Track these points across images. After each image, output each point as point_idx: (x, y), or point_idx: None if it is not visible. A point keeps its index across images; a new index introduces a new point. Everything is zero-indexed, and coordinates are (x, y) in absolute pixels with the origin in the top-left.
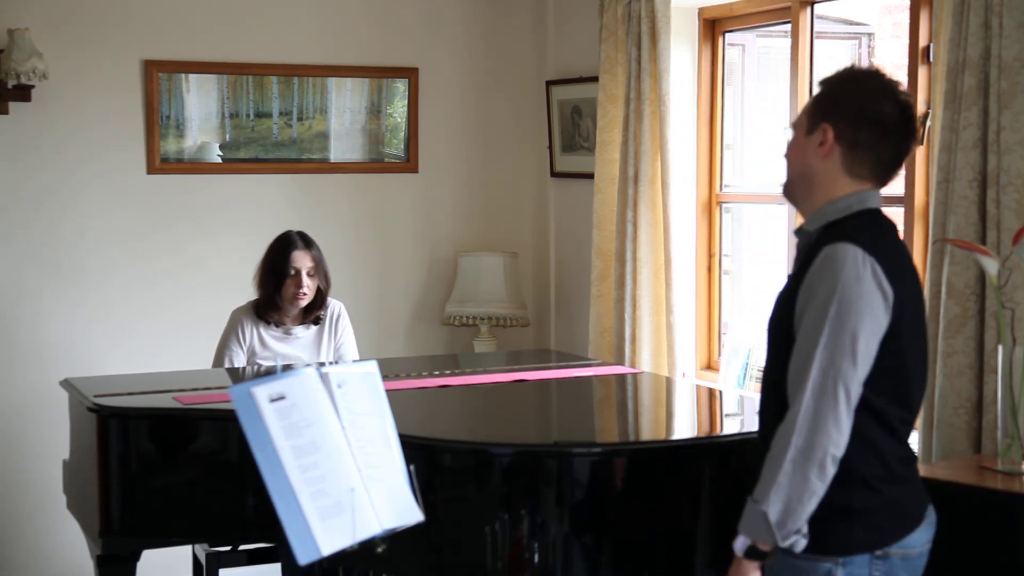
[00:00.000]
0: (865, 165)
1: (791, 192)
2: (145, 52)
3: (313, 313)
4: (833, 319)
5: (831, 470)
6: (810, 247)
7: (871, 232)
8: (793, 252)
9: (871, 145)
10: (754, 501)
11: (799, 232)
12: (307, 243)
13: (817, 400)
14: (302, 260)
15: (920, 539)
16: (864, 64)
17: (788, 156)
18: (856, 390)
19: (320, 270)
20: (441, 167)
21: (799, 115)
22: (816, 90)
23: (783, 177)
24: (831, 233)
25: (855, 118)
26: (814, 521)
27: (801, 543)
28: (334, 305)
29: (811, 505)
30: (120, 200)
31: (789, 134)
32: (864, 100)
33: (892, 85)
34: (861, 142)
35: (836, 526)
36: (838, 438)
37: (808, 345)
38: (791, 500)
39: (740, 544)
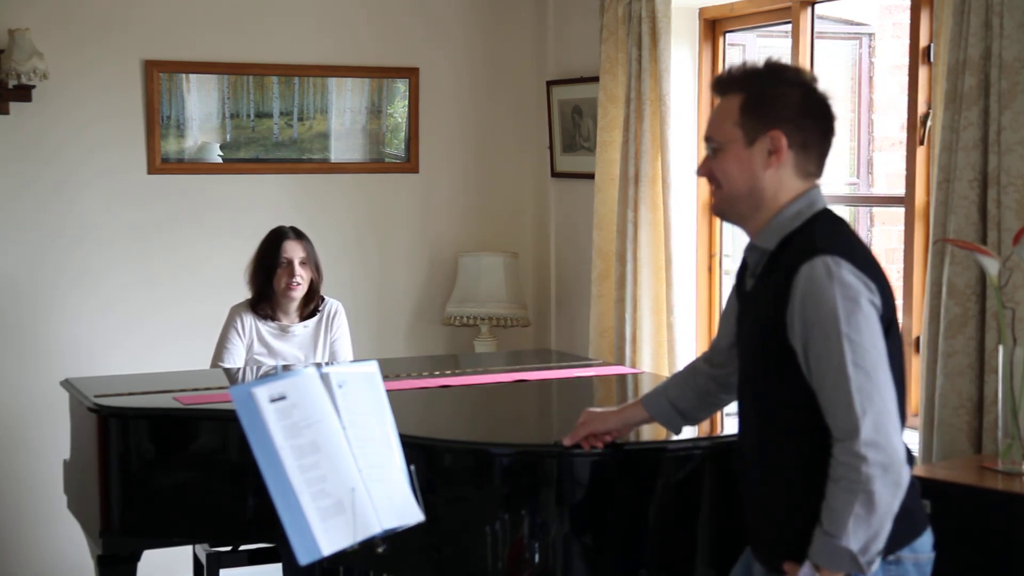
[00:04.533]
0: (813, 162)
1: (734, 211)
2: (145, 52)
3: (309, 306)
4: (847, 336)
5: (906, 480)
6: (770, 264)
7: (836, 238)
8: None
9: (817, 141)
10: (828, 535)
11: (752, 250)
12: (298, 234)
13: (874, 419)
14: (293, 250)
15: (928, 543)
16: (759, 58)
17: (726, 173)
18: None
19: (311, 261)
20: (441, 167)
21: (720, 127)
22: (727, 94)
23: (716, 198)
24: (795, 248)
25: (799, 117)
26: None
27: (878, 562)
28: (332, 304)
29: (890, 523)
30: (121, 200)
31: (710, 149)
32: (799, 95)
33: (802, 73)
34: (810, 141)
35: None
36: (901, 444)
37: (837, 374)
38: (873, 528)
39: (807, 574)
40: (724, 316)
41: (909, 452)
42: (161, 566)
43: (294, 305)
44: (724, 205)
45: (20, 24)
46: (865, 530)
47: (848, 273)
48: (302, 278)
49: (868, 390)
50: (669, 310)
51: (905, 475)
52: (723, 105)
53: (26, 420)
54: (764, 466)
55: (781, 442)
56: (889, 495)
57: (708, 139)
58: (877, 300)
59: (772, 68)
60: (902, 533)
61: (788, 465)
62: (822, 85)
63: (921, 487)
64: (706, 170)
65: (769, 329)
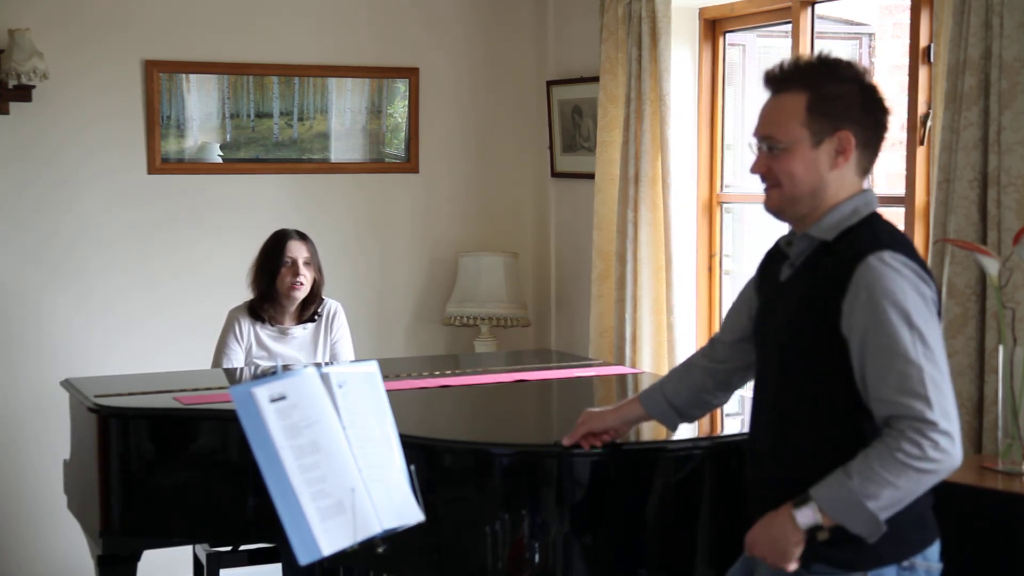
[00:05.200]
0: (870, 159)
1: (793, 210)
2: (146, 52)
3: (309, 309)
4: (918, 329)
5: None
6: (818, 255)
7: (897, 237)
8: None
9: (876, 138)
10: (856, 493)
11: (800, 239)
12: (302, 236)
13: (944, 409)
14: (298, 250)
15: (937, 553)
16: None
17: (791, 174)
18: None
19: (315, 263)
20: (441, 167)
21: (784, 127)
22: (785, 92)
23: (774, 196)
24: (856, 240)
25: (862, 115)
26: (839, 536)
27: (894, 568)
28: (331, 304)
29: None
30: (121, 200)
31: (768, 148)
32: (859, 91)
33: (855, 66)
34: (871, 139)
35: (862, 540)
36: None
37: (906, 363)
38: (899, 501)
39: (809, 518)
40: (734, 311)
41: None
42: (161, 566)
43: (295, 307)
44: (784, 204)
45: (20, 24)
46: (892, 503)
47: (913, 271)
48: (306, 278)
49: (939, 382)
50: (669, 310)
51: (954, 469)
52: (783, 103)
53: (26, 420)
54: (780, 460)
55: (801, 436)
56: (933, 483)
57: (767, 138)
58: (936, 301)
59: (829, 64)
60: (917, 540)
61: (806, 460)
62: (874, 78)
63: None
64: (764, 168)
65: (815, 317)
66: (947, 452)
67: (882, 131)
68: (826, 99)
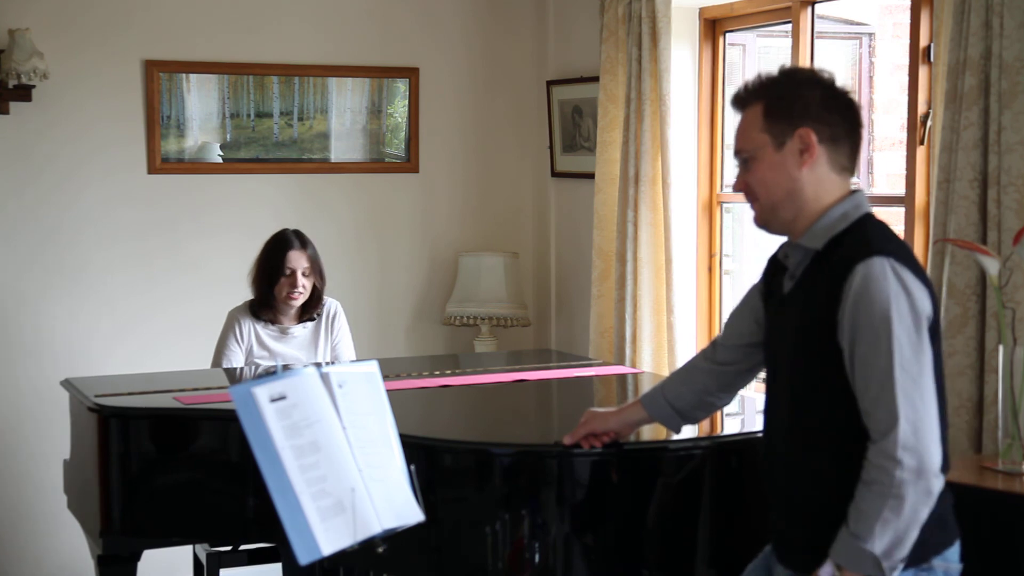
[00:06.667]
0: (845, 155)
1: (777, 219)
2: (146, 52)
3: (310, 311)
4: (898, 339)
5: (937, 489)
6: (815, 265)
7: (889, 240)
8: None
9: (845, 133)
10: (854, 536)
11: (794, 250)
12: (303, 243)
13: (913, 424)
14: (297, 260)
15: (957, 554)
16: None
17: (762, 181)
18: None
19: (315, 269)
20: (441, 167)
21: (747, 137)
22: (747, 107)
23: (756, 210)
24: (848, 247)
25: (823, 112)
26: None
27: (899, 568)
28: (331, 304)
29: (917, 531)
30: (121, 200)
31: (740, 162)
32: (818, 92)
33: (817, 72)
34: (838, 134)
35: None
36: (938, 453)
37: (883, 375)
38: (899, 532)
39: (827, 572)
40: (736, 315)
41: (946, 460)
42: (161, 566)
43: (295, 310)
44: (766, 215)
45: (20, 24)
46: (891, 535)
47: (904, 276)
48: (304, 288)
49: (912, 395)
50: (669, 310)
51: (937, 484)
52: (746, 116)
53: (26, 420)
54: (795, 468)
55: (815, 444)
56: (919, 502)
57: (737, 152)
58: (928, 306)
59: (787, 72)
60: (935, 542)
61: (822, 467)
62: (839, 81)
63: None
64: (742, 184)
65: (817, 329)
66: (911, 469)
67: (853, 127)
68: (781, 102)
